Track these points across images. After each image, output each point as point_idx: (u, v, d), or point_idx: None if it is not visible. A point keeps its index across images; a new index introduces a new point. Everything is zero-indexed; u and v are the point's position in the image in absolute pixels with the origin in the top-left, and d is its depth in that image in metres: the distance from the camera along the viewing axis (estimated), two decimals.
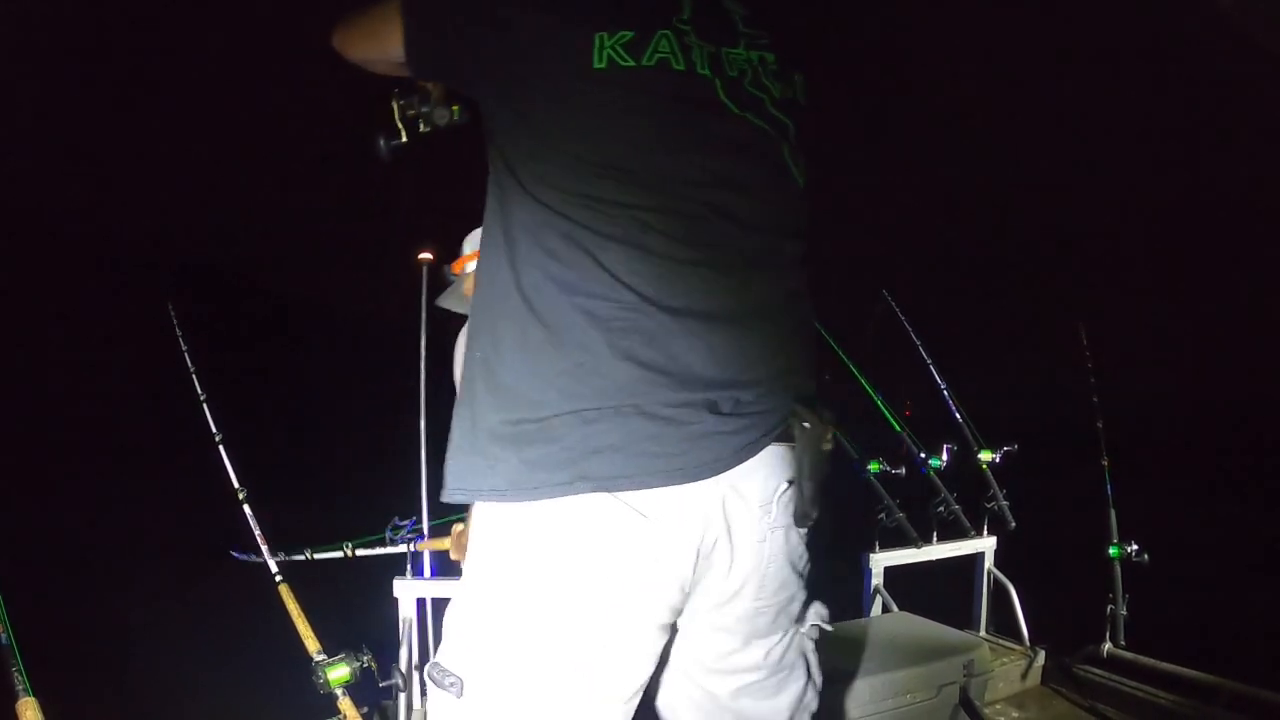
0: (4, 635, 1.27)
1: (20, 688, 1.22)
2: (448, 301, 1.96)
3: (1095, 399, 3.07)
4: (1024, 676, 2.76)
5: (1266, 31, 1.39)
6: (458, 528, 1.96)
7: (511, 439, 0.93)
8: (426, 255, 2.31)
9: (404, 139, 1.25)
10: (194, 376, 2.25)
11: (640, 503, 0.92)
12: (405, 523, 2.28)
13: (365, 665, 1.61)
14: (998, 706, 2.62)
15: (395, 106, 1.24)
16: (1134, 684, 2.59)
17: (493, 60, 0.99)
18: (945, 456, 2.88)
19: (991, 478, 2.98)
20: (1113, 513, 2.86)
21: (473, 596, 1.00)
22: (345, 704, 1.58)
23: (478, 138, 1.10)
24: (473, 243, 1.85)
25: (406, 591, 2.16)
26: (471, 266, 1.80)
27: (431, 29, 1.03)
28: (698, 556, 0.96)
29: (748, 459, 0.96)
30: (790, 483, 1.00)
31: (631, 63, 0.95)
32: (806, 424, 0.98)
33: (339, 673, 1.58)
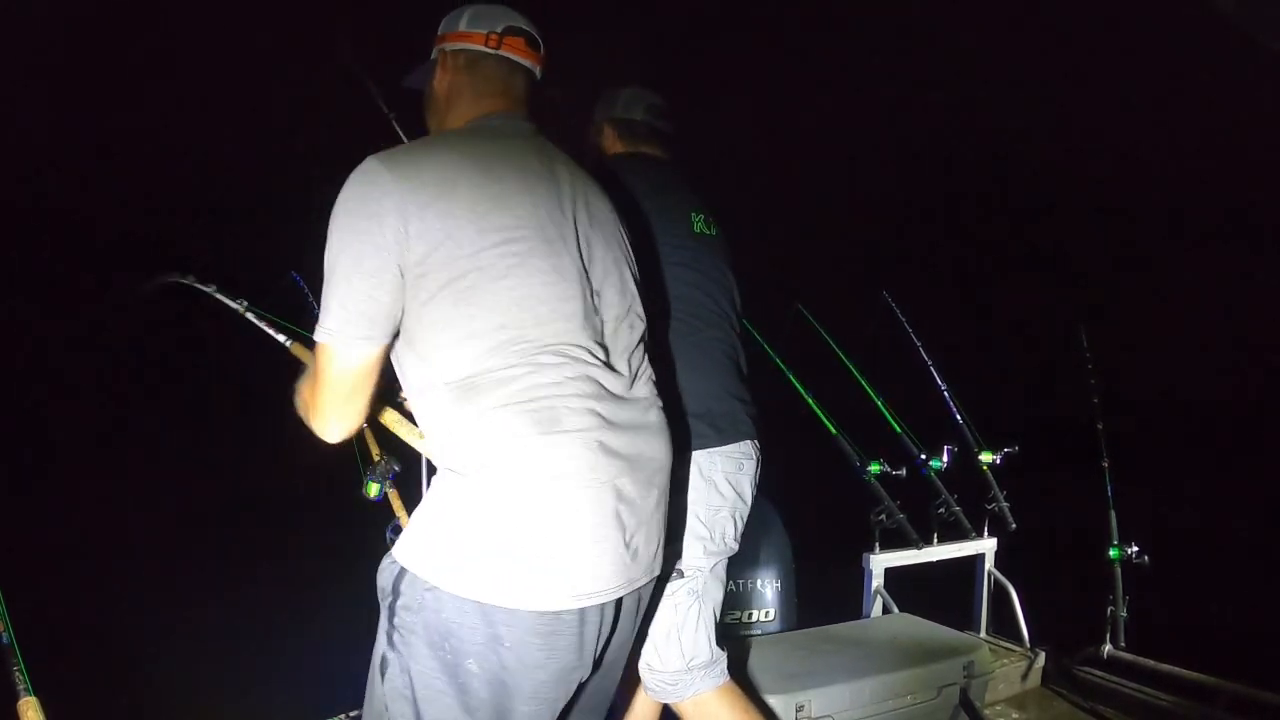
0: (5, 634, 1.27)
1: (21, 687, 1.22)
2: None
3: (1095, 399, 3.07)
4: (1024, 678, 2.76)
5: (1266, 31, 1.39)
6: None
7: None
8: None
9: None
10: None
11: None
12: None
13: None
14: (998, 708, 2.62)
15: None
16: (1134, 685, 2.59)
17: None
18: (946, 458, 2.87)
19: (992, 479, 2.97)
20: (1113, 514, 2.86)
21: None
22: None
23: None
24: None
25: None
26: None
27: None
28: None
29: None
30: None
31: None
32: None
33: None
